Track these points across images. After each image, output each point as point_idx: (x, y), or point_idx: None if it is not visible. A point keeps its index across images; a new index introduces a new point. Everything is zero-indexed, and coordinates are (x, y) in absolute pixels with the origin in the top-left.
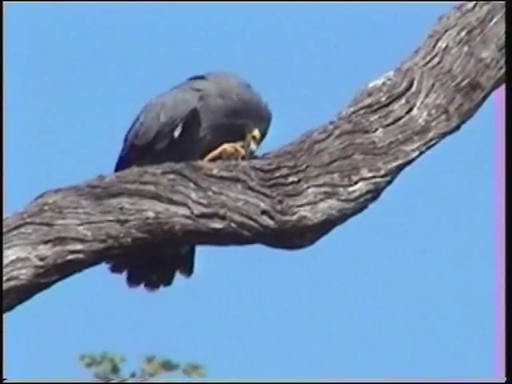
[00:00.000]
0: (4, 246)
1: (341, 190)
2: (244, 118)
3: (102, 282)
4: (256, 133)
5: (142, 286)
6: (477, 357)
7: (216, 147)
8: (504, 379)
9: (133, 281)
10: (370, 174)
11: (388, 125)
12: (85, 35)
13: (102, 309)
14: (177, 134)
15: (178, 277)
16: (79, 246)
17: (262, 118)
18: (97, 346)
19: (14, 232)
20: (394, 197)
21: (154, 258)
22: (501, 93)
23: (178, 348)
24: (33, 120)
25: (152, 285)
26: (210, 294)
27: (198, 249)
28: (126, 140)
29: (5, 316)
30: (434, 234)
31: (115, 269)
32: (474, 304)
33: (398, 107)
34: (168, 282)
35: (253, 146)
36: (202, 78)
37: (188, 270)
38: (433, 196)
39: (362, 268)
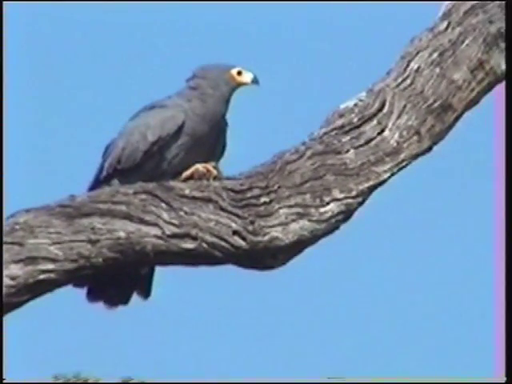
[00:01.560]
0: None
1: (312, 210)
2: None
3: (76, 302)
4: (235, 70)
5: (100, 302)
6: (477, 357)
7: (187, 167)
8: (504, 379)
9: (92, 296)
10: (342, 195)
11: (360, 146)
12: (84, 35)
13: (76, 328)
14: (168, 153)
15: (135, 298)
16: (50, 266)
17: (221, 66)
18: (70, 367)
19: None
20: (366, 218)
21: (113, 276)
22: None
23: (152, 370)
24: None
25: (111, 302)
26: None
27: (157, 270)
28: (101, 168)
29: None
30: (407, 253)
31: (77, 284)
32: (474, 304)
33: (369, 128)
34: (125, 301)
35: (246, 77)
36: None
37: (145, 291)
38: (405, 216)
39: (334, 289)
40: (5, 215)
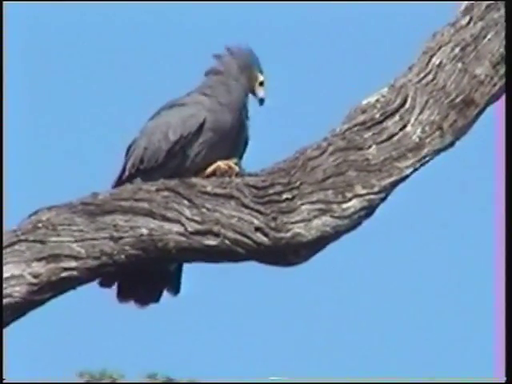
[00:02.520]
0: None
1: (335, 206)
2: (247, 71)
3: (101, 298)
4: (261, 78)
5: (131, 301)
6: (477, 357)
7: (209, 164)
8: (504, 379)
9: (123, 296)
10: (364, 191)
11: (382, 142)
12: (90, 34)
13: (101, 325)
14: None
15: (166, 295)
16: (73, 263)
17: (254, 62)
18: (96, 363)
19: (8, 249)
20: (388, 213)
21: (142, 274)
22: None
23: (178, 365)
24: (25, 137)
25: (141, 301)
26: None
27: (186, 267)
28: (124, 168)
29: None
30: (429, 250)
31: (104, 283)
32: (474, 304)
33: (391, 124)
34: (156, 299)
35: (261, 92)
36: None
37: (175, 288)
38: (427, 212)
39: (357, 285)
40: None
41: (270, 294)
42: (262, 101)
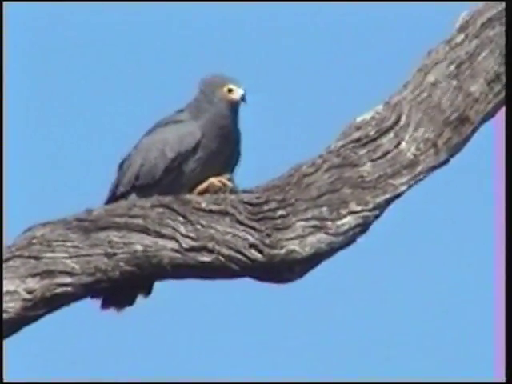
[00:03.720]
0: None
1: (329, 223)
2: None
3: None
4: (228, 86)
5: (111, 308)
6: (477, 357)
7: (203, 180)
8: (504, 379)
9: (106, 304)
10: (359, 208)
11: (377, 159)
12: (84, 36)
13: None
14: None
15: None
16: (67, 280)
17: (219, 80)
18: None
19: (3, 265)
20: (383, 230)
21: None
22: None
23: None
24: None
25: (119, 305)
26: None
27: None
28: (118, 184)
29: None
30: (423, 266)
31: (94, 295)
32: (474, 305)
33: (386, 141)
34: (131, 302)
35: (233, 95)
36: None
37: (147, 290)
38: (421, 229)
39: (351, 301)
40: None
41: (264, 311)
42: (243, 99)
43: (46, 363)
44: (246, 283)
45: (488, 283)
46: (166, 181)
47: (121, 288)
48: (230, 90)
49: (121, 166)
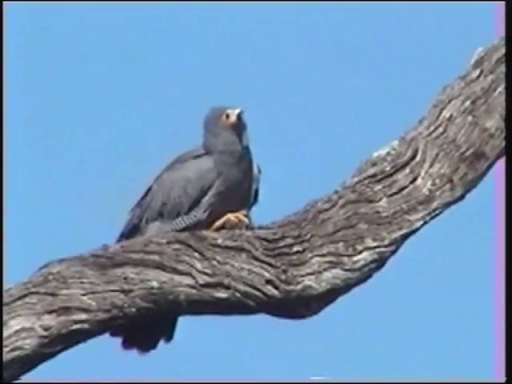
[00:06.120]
0: (8, 317)
1: (345, 259)
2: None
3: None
4: (227, 112)
5: (134, 349)
6: (477, 357)
7: (219, 216)
8: (504, 379)
9: (127, 344)
10: (375, 244)
11: (392, 194)
12: (85, 36)
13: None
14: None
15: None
16: (84, 316)
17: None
18: None
19: (19, 302)
20: (399, 266)
21: (147, 323)
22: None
23: None
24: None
25: (143, 348)
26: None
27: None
28: (140, 219)
29: None
30: (439, 303)
31: (114, 333)
32: (474, 305)
33: (402, 177)
34: (154, 345)
35: (230, 119)
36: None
37: (169, 335)
38: (437, 265)
39: (367, 337)
40: (6, 286)
41: (280, 347)
42: (239, 116)
43: (46, 363)
44: (262, 319)
45: (488, 283)
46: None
47: (141, 327)
48: (228, 116)
49: (139, 203)
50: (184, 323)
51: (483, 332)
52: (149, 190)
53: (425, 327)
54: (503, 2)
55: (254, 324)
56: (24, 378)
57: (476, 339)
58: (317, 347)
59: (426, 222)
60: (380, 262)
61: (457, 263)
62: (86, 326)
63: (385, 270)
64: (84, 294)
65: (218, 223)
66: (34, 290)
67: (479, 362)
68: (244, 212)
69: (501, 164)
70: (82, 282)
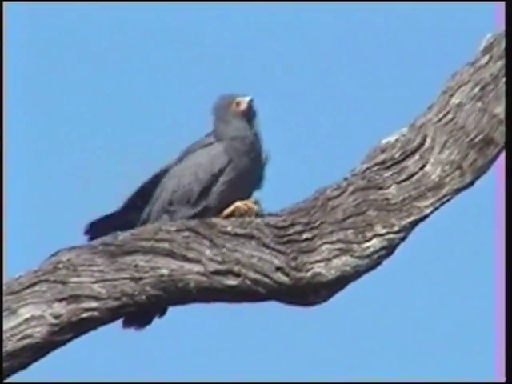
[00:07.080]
0: (18, 305)
1: (355, 246)
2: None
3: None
4: (237, 99)
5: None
6: (477, 357)
7: (229, 204)
8: (504, 379)
9: (128, 323)
10: (384, 231)
11: (402, 181)
12: (85, 36)
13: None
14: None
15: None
16: (94, 304)
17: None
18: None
19: (28, 290)
20: (408, 253)
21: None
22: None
23: None
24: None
25: (140, 325)
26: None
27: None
28: (150, 212)
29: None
30: (449, 289)
31: (126, 324)
32: (474, 305)
33: (411, 163)
34: (149, 321)
35: (240, 107)
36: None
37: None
38: (447, 252)
39: (376, 324)
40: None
41: (290, 334)
42: (250, 104)
43: (46, 363)
44: (271, 306)
45: (488, 283)
46: (198, 203)
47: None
48: (238, 104)
49: (151, 194)
50: (186, 317)
51: (483, 332)
52: (157, 183)
53: (425, 327)
54: None
55: (260, 310)
56: (23, 378)
57: (476, 339)
58: (326, 334)
59: (435, 209)
60: (389, 249)
61: (457, 263)
62: (96, 313)
63: (394, 256)
64: (94, 282)
65: (228, 211)
66: (43, 278)
67: (479, 362)
68: (253, 199)
69: (501, 158)
70: (92, 270)
